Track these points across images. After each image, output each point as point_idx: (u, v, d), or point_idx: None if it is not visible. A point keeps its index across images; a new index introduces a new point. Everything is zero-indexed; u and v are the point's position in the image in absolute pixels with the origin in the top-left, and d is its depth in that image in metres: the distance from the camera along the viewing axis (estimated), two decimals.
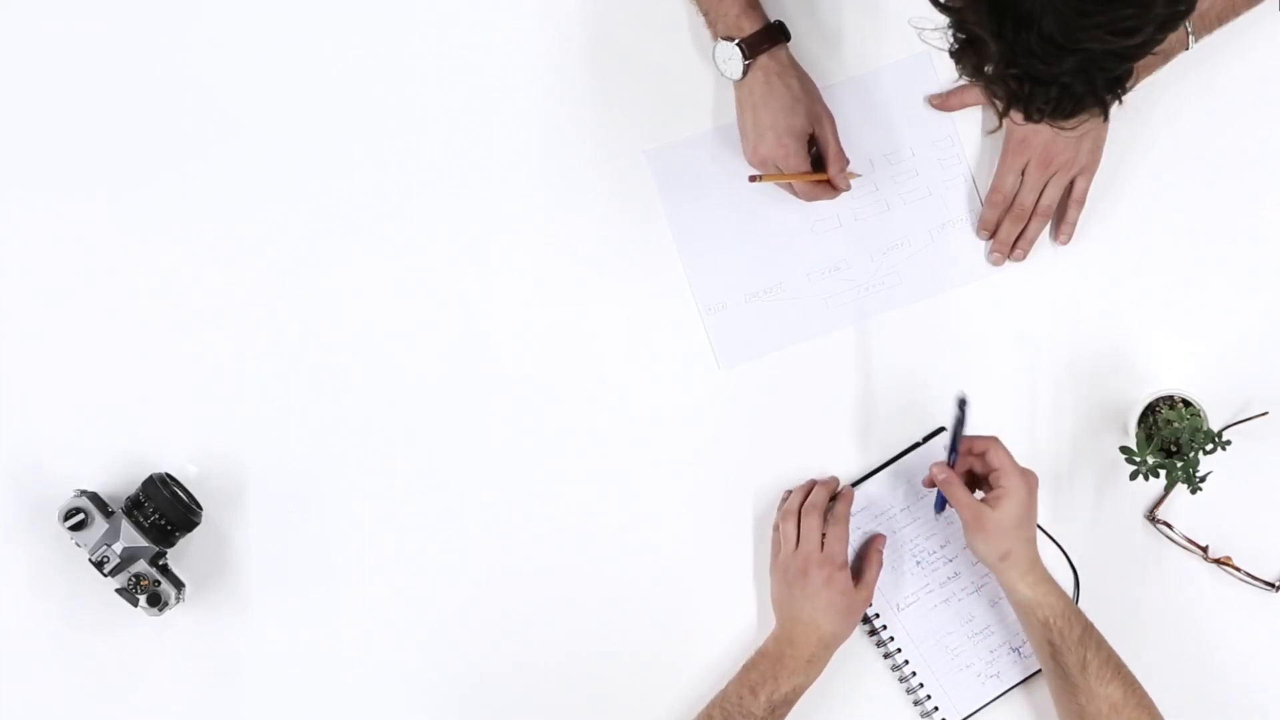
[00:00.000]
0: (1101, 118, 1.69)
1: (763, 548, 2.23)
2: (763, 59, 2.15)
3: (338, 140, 2.26)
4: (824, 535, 2.16)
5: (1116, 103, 1.67)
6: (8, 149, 2.26)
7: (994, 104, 1.69)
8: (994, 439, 2.13)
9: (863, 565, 2.20)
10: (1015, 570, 2.10)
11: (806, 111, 2.17)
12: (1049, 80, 1.62)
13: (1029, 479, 2.11)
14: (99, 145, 2.26)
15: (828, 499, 2.19)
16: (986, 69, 1.65)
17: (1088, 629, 2.10)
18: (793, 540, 2.17)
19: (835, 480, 2.22)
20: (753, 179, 2.19)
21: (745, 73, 2.16)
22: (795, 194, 2.22)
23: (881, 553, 2.20)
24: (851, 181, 2.21)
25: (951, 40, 1.67)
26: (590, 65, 2.27)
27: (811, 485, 2.21)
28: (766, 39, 2.15)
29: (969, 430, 2.10)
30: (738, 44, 2.14)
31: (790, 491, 2.23)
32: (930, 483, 2.16)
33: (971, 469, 2.14)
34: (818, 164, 2.20)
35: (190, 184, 2.26)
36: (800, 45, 2.23)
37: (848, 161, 2.20)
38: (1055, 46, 1.59)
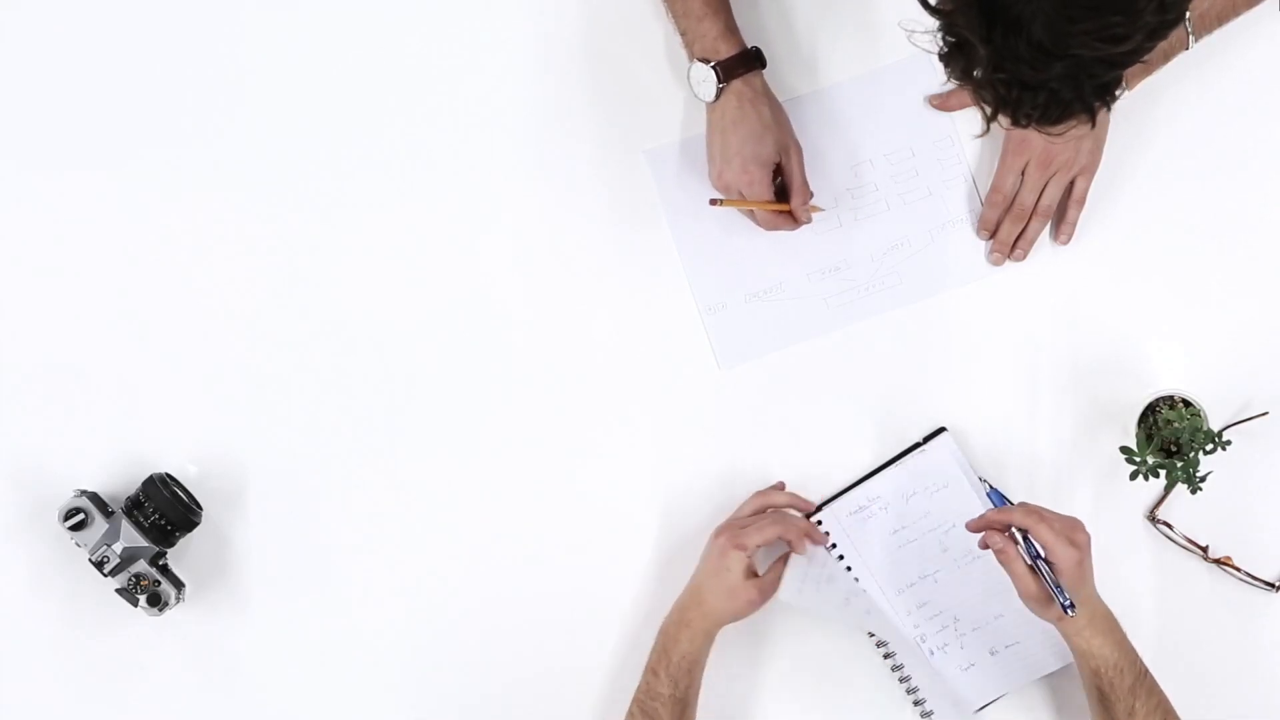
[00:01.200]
0: (1089, 124, 1.68)
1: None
2: (736, 84, 2.15)
3: (337, 145, 2.27)
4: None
5: (1105, 109, 1.67)
6: (7, 149, 2.27)
7: (982, 108, 1.69)
8: (1035, 514, 2.05)
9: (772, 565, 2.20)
10: (1071, 627, 2.08)
11: (775, 141, 2.17)
12: (1037, 86, 1.62)
13: (1077, 543, 2.04)
14: (100, 147, 2.27)
15: (790, 507, 2.21)
16: (975, 73, 1.65)
17: (1140, 678, 2.08)
18: (743, 512, 2.20)
19: (811, 505, 2.22)
20: (713, 203, 2.19)
21: (718, 96, 2.16)
22: (756, 222, 2.22)
23: (790, 556, 2.19)
24: (814, 216, 2.22)
25: (941, 44, 1.67)
26: (590, 65, 2.27)
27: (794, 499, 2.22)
28: (742, 64, 2.16)
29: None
30: (713, 67, 2.15)
31: (783, 485, 2.24)
32: (975, 529, 2.10)
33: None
34: (783, 194, 2.21)
35: (190, 185, 2.26)
36: (801, 45, 2.23)
37: (811, 195, 2.20)
38: (1044, 52, 1.58)
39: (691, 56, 2.17)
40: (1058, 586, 2.03)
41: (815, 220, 2.25)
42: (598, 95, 2.27)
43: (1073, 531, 2.06)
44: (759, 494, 2.22)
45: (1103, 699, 2.09)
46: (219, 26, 2.28)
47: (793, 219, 2.21)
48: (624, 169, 2.27)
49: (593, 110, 2.27)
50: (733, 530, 2.16)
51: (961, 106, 2.25)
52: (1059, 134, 1.69)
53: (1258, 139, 2.26)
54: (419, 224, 2.26)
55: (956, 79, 1.67)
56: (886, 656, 2.23)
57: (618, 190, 2.27)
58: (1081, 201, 2.24)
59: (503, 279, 2.26)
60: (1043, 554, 2.04)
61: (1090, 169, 2.22)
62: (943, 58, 1.67)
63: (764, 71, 2.18)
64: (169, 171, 2.26)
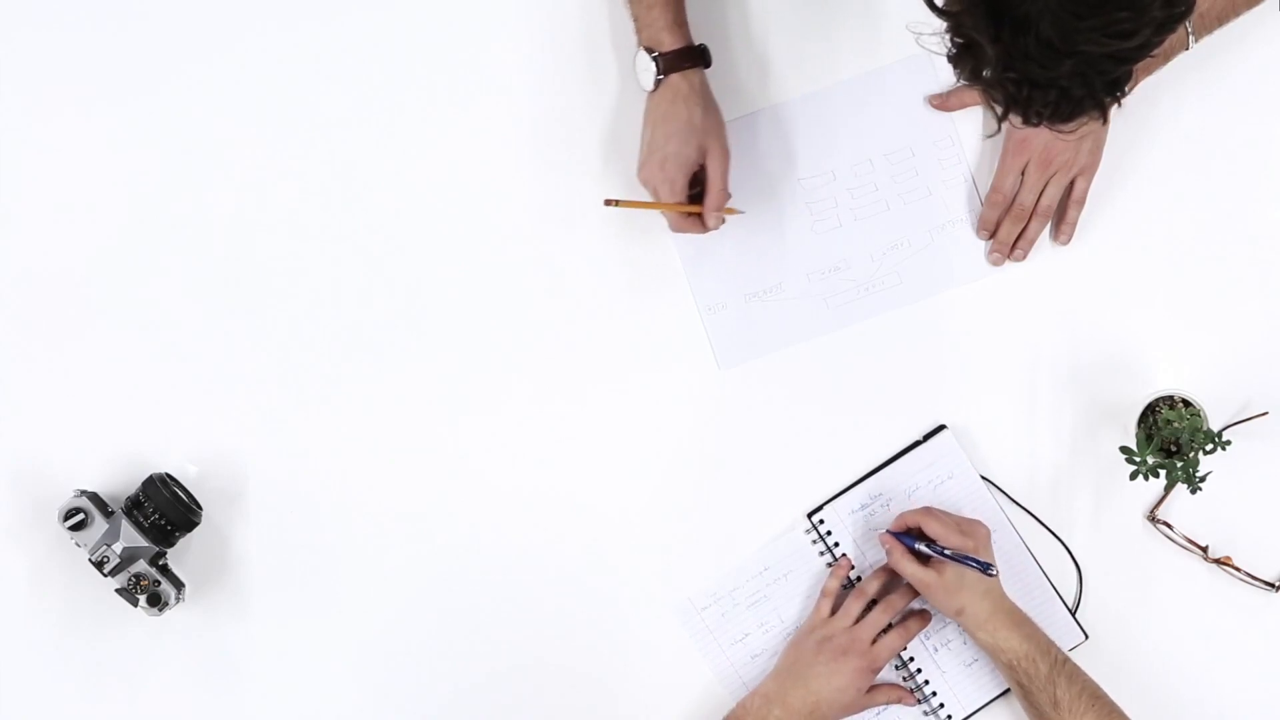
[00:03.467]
0: (1100, 120, 1.68)
1: (762, 547, 2.23)
2: (675, 78, 2.13)
3: (337, 151, 2.27)
4: (883, 633, 2.18)
5: (1115, 105, 1.67)
6: (8, 146, 2.27)
7: (993, 107, 1.69)
8: (925, 511, 2.14)
9: (879, 686, 2.20)
10: (972, 622, 2.12)
11: (699, 144, 2.13)
12: (1047, 84, 1.62)
13: (974, 535, 2.13)
14: (102, 147, 2.27)
15: (904, 606, 2.20)
16: (985, 73, 1.65)
17: (1056, 665, 2.10)
18: (852, 617, 2.18)
19: (914, 594, 2.20)
20: (608, 203, 2.17)
21: (656, 87, 2.14)
22: (668, 222, 2.19)
23: (900, 693, 2.21)
24: (727, 217, 2.18)
25: (949, 45, 1.67)
26: (591, 66, 2.27)
27: (886, 576, 2.21)
28: (685, 60, 2.14)
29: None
30: (654, 57, 2.13)
31: (852, 564, 2.23)
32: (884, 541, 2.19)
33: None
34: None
35: (189, 188, 2.26)
36: (801, 45, 2.23)
37: (728, 198, 2.17)
38: (1053, 50, 1.59)
39: (638, 44, 2.15)
40: (968, 558, 2.08)
41: (815, 220, 2.25)
42: (598, 95, 2.27)
43: (970, 526, 2.13)
44: (837, 587, 2.22)
45: (1025, 693, 2.11)
46: (211, 42, 2.28)
47: (701, 223, 2.17)
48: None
49: (593, 110, 2.26)
50: (863, 649, 2.15)
51: (961, 106, 2.25)
52: (1071, 131, 1.70)
53: (1257, 139, 2.26)
54: (417, 225, 2.26)
55: (966, 79, 1.68)
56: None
57: (617, 190, 2.26)
58: (1081, 202, 2.24)
59: (503, 279, 2.26)
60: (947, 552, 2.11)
61: (1090, 169, 2.22)
62: (951, 59, 1.68)
63: (708, 71, 2.16)
64: (168, 175, 2.26)
